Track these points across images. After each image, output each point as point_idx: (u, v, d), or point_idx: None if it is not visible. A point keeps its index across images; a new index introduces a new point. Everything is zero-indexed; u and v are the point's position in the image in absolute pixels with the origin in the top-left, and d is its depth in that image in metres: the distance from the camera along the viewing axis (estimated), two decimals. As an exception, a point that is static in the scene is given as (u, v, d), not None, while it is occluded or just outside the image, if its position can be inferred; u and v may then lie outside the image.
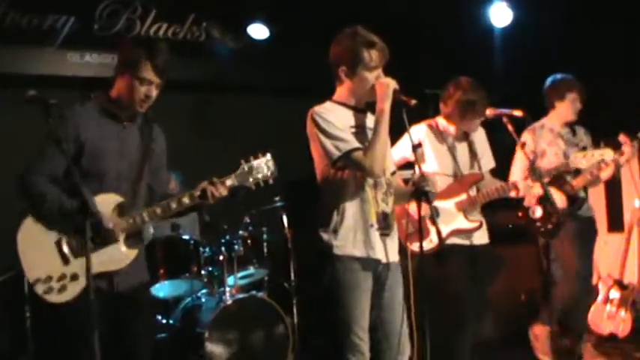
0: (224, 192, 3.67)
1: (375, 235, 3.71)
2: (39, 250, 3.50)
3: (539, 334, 5.84)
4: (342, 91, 3.80)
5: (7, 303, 6.02)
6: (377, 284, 3.75)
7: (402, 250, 4.46)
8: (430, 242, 4.60)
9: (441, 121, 4.96)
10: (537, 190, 5.05)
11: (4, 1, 6.53)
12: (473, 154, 4.97)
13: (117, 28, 6.94)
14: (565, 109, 5.71)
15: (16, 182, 3.55)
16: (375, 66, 3.71)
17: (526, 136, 5.58)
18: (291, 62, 7.44)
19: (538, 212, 5.37)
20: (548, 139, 5.61)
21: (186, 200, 3.65)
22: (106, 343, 3.23)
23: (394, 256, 3.82)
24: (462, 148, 4.95)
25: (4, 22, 6.55)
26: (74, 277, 3.50)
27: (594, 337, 6.23)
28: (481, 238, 4.90)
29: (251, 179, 3.75)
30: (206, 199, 3.64)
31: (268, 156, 3.80)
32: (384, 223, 3.75)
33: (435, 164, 4.85)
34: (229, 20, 7.34)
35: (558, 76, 5.78)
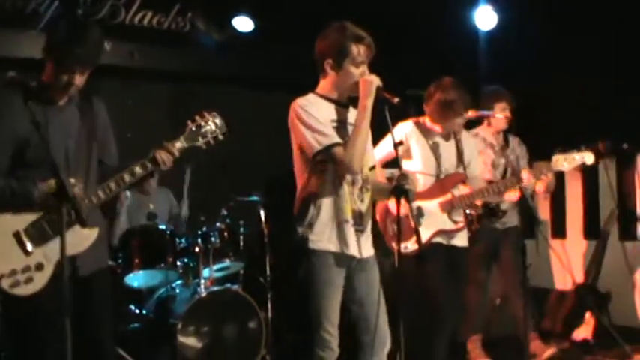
0: (175, 155, 3.64)
1: (350, 231, 3.72)
2: None
3: (472, 345, 5.96)
4: (325, 84, 3.81)
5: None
6: (350, 280, 3.78)
7: (387, 249, 4.47)
8: (414, 243, 4.61)
9: (428, 121, 4.98)
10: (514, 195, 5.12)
11: (-13, -16, 6.48)
12: (459, 154, 4.98)
13: (101, 15, 6.88)
14: (495, 119, 5.76)
15: None
16: (362, 61, 3.72)
17: None
18: (276, 56, 7.42)
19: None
20: (480, 149, 5.61)
21: (138, 170, 3.61)
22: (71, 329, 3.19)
23: (368, 251, 3.84)
24: (448, 148, 4.98)
25: (-13, 5, 6.50)
26: (39, 267, 3.46)
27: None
28: (462, 240, 4.92)
29: (200, 139, 3.74)
30: (157, 166, 3.61)
31: (214, 113, 3.81)
32: (359, 220, 3.77)
33: (420, 162, 4.87)
34: (214, 12, 7.31)
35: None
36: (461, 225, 4.86)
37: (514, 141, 5.90)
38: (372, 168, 3.94)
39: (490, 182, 5.31)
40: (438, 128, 4.94)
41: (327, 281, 3.69)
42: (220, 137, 3.79)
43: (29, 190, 3.44)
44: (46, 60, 3.55)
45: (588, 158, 4.90)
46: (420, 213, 4.77)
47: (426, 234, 4.74)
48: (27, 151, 3.49)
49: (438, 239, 4.81)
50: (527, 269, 5.76)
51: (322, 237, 3.69)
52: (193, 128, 3.73)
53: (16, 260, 3.44)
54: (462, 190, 4.89)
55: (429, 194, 4.83)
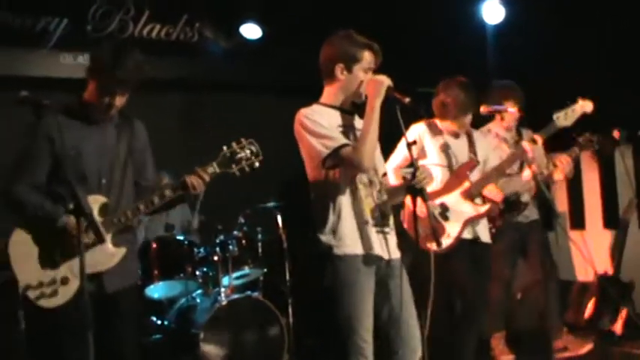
0: (205, 180, 3.65)
1: (372, 231, 3.68)
2: (28, 257, 3.52)
3: (496, 342, 5.88)
4: (330, 92, 3.80)
5: (2, 303, 6.00)
6: (381, 282, 3.72)
7: (419, 251, 4.45)
8: (448, 237, 4.68)
9: (438, 121, 5.04)
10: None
11: (-3, 3, 6.53)
12: (471, 148, 5.02)
13: (110, 29, 6.94)
14: (507, 114, 5.70)
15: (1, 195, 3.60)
16: (370, 68, 3.73)
17: None
18: (284, 61, 7.43)
19: None
20: (494, 144, 5.56)
21: (168, 193, 3.65)
22: (94, 344, 3.20)
23: (395, 253, 3.79)
24: (459, 144, 5.02)
25: (-3, 24, 6.56)
26: (64, 281, 3.52)
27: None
28: (485, 236, 4.94)
29: (234, 165, 3.73)
30: (187, 190, 3.63)
31: (251, 140, 3.79)
32: (380, 220, 3.73)
33: (436, 159, 4.92)
34: (222, 20, 7.34)
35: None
36: (488, 206, 4.89)
37: (527, 134, 5.86)
38: (383, 175, 3.91)
39: (509, 176, 5.32)
40: (448, 125, 4.96)
41: (357, 286, 3.62)
42: (256, 164, 3.78)
43: (54, 217, 3.50)
44: (89, 80, 3.63)
45: (588, 106, 4.83)
46: (444, 208, 4.80)
47: (456, 227, 4.78)
48: (59, 168, 3.54)
49: (464, 235, 4.83)
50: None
51: (347, 241, 3.63)
52: (228, 154, 3.73)
53: (43, 273, 3.51)
54: (475, 176, 4.94)
55: (447, 188, 4.87)
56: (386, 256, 3.71)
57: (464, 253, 4.78)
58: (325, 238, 3.67)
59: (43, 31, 6.73)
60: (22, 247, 3.54)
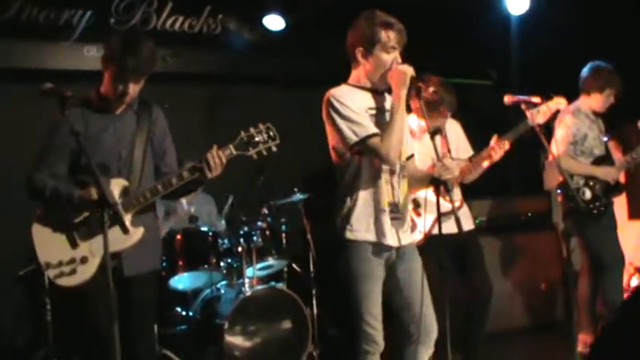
0: (222, 162, 3.69)
1: (387, 220, 3.69)
2: (50, 236, 3.63)
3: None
4: (357, 74, 3.79)
5: (28, 296, 6.08)
6: (391, 272, 3.76)
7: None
8: (419, 233, 4.56)
9: (412, 118, 4.95)
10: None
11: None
12: (445, 142, 4.99)
13: (133, 22, 6.95)
14: (597, 101, 5.61)
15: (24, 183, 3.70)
16: (393, 46, 3.68)
17: (569, 118, 5.49)
18: (308, 52, 7.42)
19: (587, 194, 5.36)
20: (587, 124, 5.53)
21: (185, 174, 3.70)
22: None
23: (407, 239, 3.79)
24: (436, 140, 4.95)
25: (21, 18, 6.57)
26: (84, 260, 3.60)
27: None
28: (466, 224, 4.87)
29: (251, 148, 3.79)
30: (203, 172, 3.67)
31: (268, 124, 3.84)
32: (396, 208, 3.73)
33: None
34: (245, 12, 7.33)
35: (603, 65, 5.63)
36: (458, 203, 4.85)
37: (600, 120, 5.75)
38: (410, 157, 3.91)
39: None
40: (422, 123, 4.89)
41: (366, 275, 3.67)
42: (273, 148, 3.82)
43: (70, 193, 3.59)
44: (103, 71, 3.70)
45: (561, 103, 4.76)
46: (417, 204, 4.70)
47: (427, 224, 4.69)
48: (80, 158, 3.65)
49: (437, 230, 4.68)
50: (572, 254, 5.68)
51: (360, 227, 3.66)
52: (245, 138, 3.78)
53: (63, 252, 3.61)
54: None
55: None
56: (396, 244, 3.73)
57: (434, 251, 4.55)
58: (339, 221, 3.71)
59: (66, 24, 6.75)
60: (44, 229, 3.65)
